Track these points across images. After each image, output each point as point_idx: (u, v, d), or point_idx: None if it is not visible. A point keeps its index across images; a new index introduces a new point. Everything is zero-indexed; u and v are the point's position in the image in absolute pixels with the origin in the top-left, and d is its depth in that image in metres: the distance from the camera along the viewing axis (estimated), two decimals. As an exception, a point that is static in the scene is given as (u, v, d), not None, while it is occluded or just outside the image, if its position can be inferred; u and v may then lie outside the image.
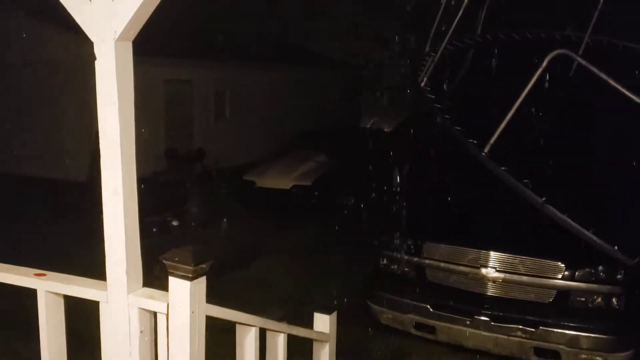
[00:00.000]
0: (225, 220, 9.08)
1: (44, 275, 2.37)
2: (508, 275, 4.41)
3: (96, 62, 2.08)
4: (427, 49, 5.81)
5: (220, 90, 15.86)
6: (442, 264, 4.64)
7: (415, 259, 4.74)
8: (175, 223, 9.33)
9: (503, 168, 4.29)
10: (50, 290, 2.32)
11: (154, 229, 8.43)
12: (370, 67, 20.54)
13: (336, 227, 8.10)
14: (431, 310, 4.57)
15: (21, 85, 13.47)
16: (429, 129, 6.05)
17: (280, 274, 6.91)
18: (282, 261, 7.46)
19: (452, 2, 5.62)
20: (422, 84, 5.17)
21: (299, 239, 8.50)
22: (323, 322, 3.05)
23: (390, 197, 6.34)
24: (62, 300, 2.37)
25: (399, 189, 6.45)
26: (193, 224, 9.31)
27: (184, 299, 2.00)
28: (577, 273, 4.30)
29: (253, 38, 18.16)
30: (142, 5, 2.00)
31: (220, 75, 15.58)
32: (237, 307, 2.53)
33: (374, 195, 8.61)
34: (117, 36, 2.03)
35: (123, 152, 2.10)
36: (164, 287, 2.06)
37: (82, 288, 2.26)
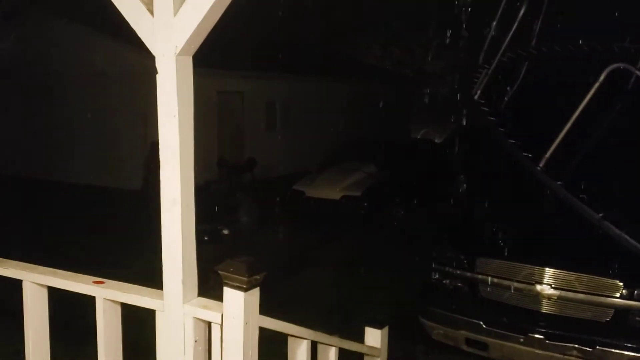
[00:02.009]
0: (274, 229, 9.16)
1: (103, 282, 2.44)
2: (564, 293, 4.28)
3: (157, 76, 2.13)
4: (481, 60, 5.73)
5: (271, 101, 16.08)
6: (495, 280, 4.53)
7: (468, 274, 4.65)
8: (225, 232, 9.47)
9: (558, 183, 4.17)
10: (108, 297, 2.38)
11: (205, 237, 8.58)
12: (421, 78, 20.39)
13: (386, 239, 8.05)
14: (484, 326, 4.46)
15: (79, 97, 14.01)
16: (481, 142, 5.95)
17: (329, 285, 6.90)
18: (330, 272, 7.45)
19: (507, 14, 5.52)
20: (476, 96, 5.10)
21: (348, 250, 8.48)
22: (374, 337, 3.02)
23: (441, 209, 6.26)
24: (119, 308, 2.43)
25: (450, 202, 6.34)
26: (243, 233, 9.43)
27: (237, 310, 2.02)
28: (636, 292, 4.13)
29: (304, 49, 18.34)
30: (202, 21, 2.05)
31: (271, 87, 15.80)
32: (285, 318, 2.54)
33: (424, 207, 8.52)
34: (178, 51, 2.08)
35: (182, 163, 2.15)
36: (219, 297, 2.09)
37: (139, 296, 2.32)
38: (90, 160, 13.96)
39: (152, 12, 2.10)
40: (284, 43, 17.29)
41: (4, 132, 14.49)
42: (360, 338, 3.38)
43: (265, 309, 2.16)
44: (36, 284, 2.54)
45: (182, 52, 2.10)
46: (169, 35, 2.08)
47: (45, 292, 2.57)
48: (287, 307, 4.73)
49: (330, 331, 3.02)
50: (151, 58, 2.16)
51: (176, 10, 2.06)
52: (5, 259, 2.63)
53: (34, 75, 14.07)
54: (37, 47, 14.06)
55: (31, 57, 14.01)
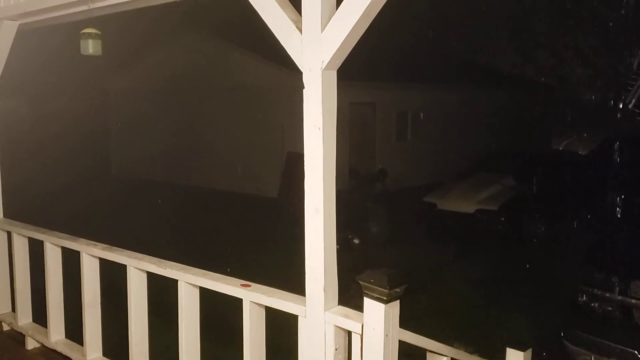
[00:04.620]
0: (404, 241, 9.07)
1: (249, 286, 2.57)
2: None
3: (304, 90, 2.22)
4: (635, 67, 5.30)
5: (403, 112, 16.02)
6: (653, 306, 4.11)
7: (621, 298, 4.27)
8: (356, 241, 9.53)
9: None
10: (254, 300, 2.51)
11: (337, 246, 8.70)
12: (563, 85, 19.16)
13: (524, 256, 7.64)
14: None
15: (222, 108, 14.93)
16: (635, 154, 5.47)
17: (462, 302, 6.69)
18: (464, 288, 7.22)
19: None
20: (630, 105, 4.71)
21: (482, 266, 8.16)
22: (516, 359, 2.89)
23: (587, 226, 5.82)
24: (263, 311, 2.55)
25: (598, 218, 5.87)
26: (373, 243, 9.44)
27: (378, 322, 2.02)
28: None
29: (436, 58, 18.06)
30: (348, 36, 2.10)
31: (403, 97, 15.74)
32: (418, 332, 2.50)
33: (567, 223, 7.97)
34: (324, 66, 2.16)
35: (325, 173, 2.23)
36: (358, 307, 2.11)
37: (282, 301, 2.41)
38: (231, 169, 14.81)
39: (300, 30, 2.20)
40: (416, 53, 17.16)
41: (157, 142, 15.85)
42: (499, 358, 3.24)
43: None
44: (189, 284, 2.74)
45: (328, 67, 2.17)
46: (316, 50, 2.16)
47: (197, 291, 2.77)
48: (420, 321, 4.66)
49: (466, 348, 2.92)
50: (297, 73, 2.25)
51: (323, 27, 2.14)
52: (163, 260, 2.87)
53: (182, 88, 15.24)
54: (187, 62, 15.21)
55: (181, 72, 15.18)
